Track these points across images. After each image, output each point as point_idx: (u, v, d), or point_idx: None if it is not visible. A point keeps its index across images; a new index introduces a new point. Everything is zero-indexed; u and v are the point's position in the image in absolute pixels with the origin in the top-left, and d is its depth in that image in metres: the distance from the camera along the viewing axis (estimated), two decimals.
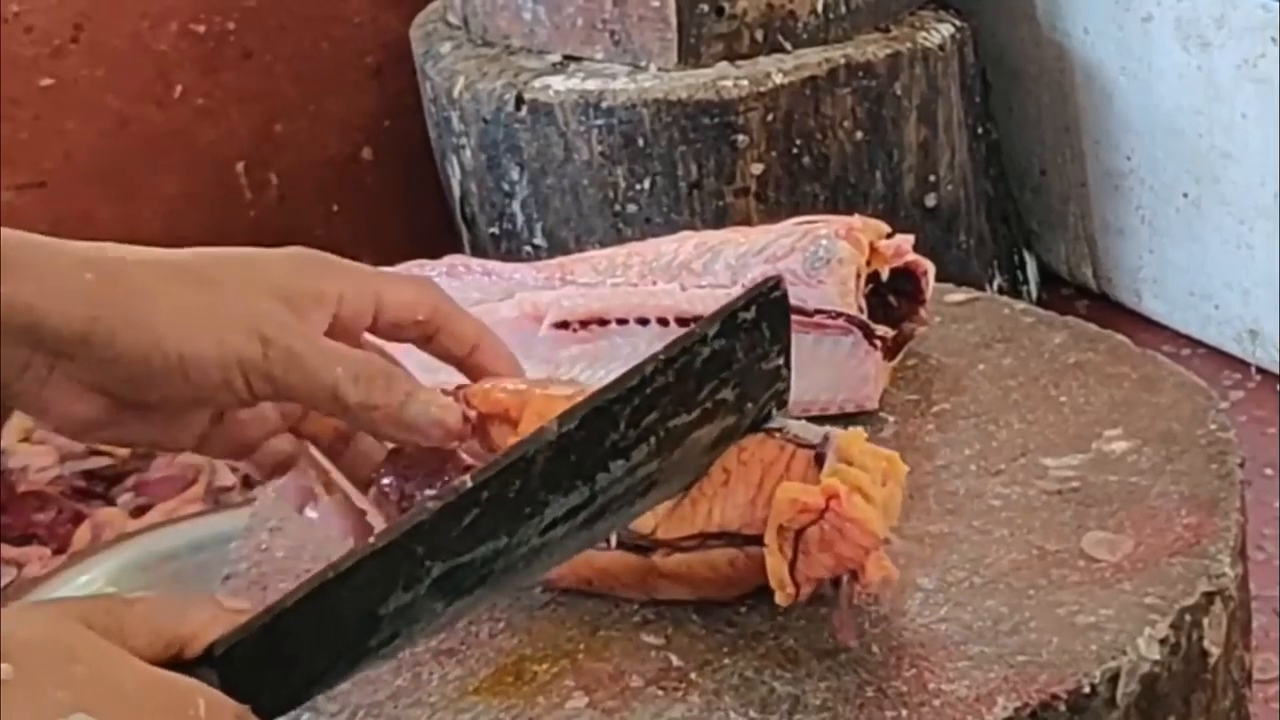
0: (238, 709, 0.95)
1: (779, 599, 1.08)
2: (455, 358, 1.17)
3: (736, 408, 1.10)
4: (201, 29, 3.09)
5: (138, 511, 2.60)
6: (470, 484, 1.00)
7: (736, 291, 1.33)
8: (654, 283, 1.37)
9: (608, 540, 1.11)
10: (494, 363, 1.18)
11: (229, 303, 1.06)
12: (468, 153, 2.85)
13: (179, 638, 0.96)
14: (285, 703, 0.98)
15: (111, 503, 2.65)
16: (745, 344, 1.09)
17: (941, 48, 2.80)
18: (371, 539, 0.99)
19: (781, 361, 1.11)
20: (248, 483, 2.51)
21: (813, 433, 1.10)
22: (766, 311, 1.09)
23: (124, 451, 2.65)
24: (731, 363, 1.08)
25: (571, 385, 1.17)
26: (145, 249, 1.09)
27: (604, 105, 2.66)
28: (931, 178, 2.82)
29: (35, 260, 1.03)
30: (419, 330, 1.16)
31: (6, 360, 1.03)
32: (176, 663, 0.95)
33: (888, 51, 2.73)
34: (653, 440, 1.06)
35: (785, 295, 1.10)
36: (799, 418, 1.26)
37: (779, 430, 1.11)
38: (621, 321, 1.37)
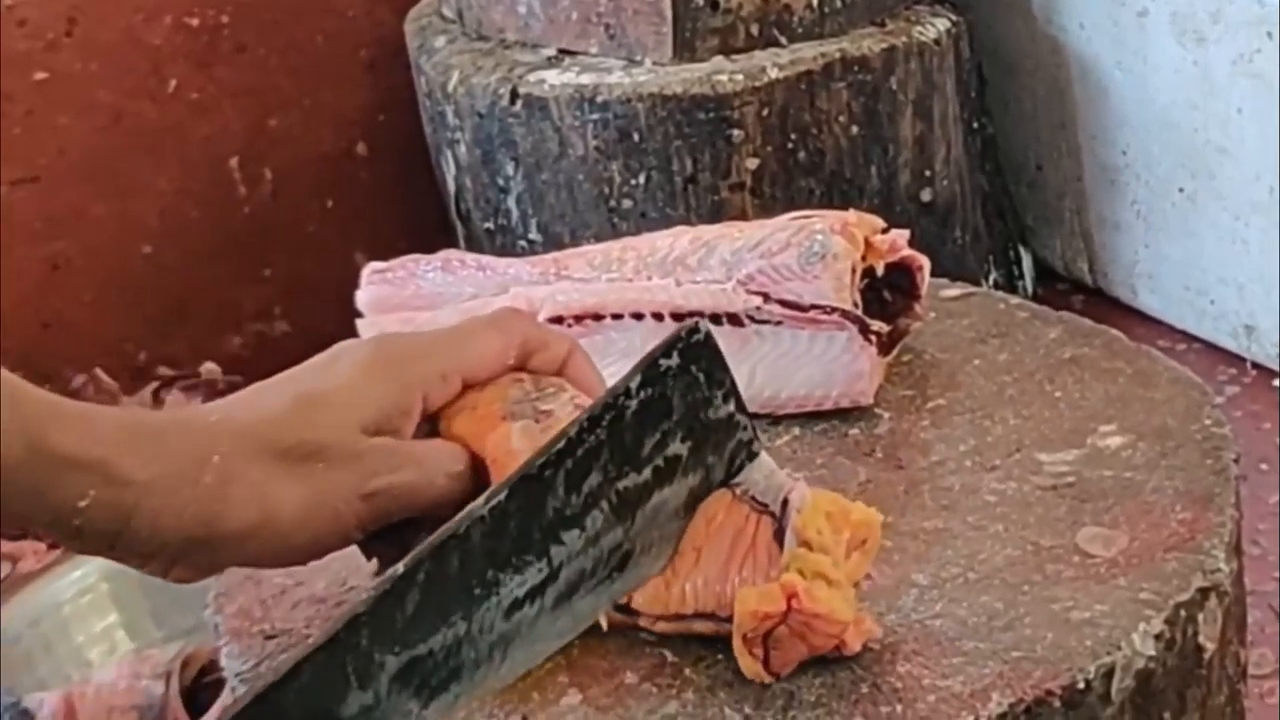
0: None
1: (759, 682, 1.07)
2: (548, 374, 1.17)
3: (695, 464, 1.05)
4: (195, 23, 3.09)
5: None
6: (402, 568, 0.95)
7: (731, 286, 1.34)
8: (649, 278, 1.37)
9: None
10: (579, 380, 1.17)
11: (334, 473, 1.07)
12: (462, 147, 2.85)
13: None
14: None
15: None
16: (678, 392, 1.04)
17: (937, 42, 2.80)
18: (312, 637, 0.95)
19: (733, 408, 1.06)
20: None
21: (773, 490, 1.08)
22: (692, 357, 1.04)
23: None
24: (669, 413, 1.03)
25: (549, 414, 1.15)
26: (236, 411, 1.10)
27: (599, 100, 2.65)
28: (927, 173, 2.82)
29: (138, 462, 1.02)
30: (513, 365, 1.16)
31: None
32: None
33: (883, 46, 2.72)
34: (605, 505, 1.01)
35: (710, 338, 1.05)
36: (793, 414, 1.27)
37: (738, 486, 1.08)
38: (616, 317, 1.37)
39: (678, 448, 1.04)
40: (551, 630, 1.01)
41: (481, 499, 0.98)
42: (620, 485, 1.02)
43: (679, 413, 1.04)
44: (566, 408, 1.13)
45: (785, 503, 1.08)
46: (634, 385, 1.02)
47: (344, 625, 0.93)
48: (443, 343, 1.14)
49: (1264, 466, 2.60)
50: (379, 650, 0.94)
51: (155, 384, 3.05)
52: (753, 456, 1.08)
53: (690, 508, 1.06)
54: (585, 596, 1.02)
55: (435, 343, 1.15)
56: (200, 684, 2.01)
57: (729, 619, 1.06)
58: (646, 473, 1.03)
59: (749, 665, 1.06)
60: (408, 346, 1.14)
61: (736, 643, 1.06)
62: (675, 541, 1.06)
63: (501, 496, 0.98)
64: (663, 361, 1.03)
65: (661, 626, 1.10)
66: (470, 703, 1.00)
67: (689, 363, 1.04)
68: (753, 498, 1.08)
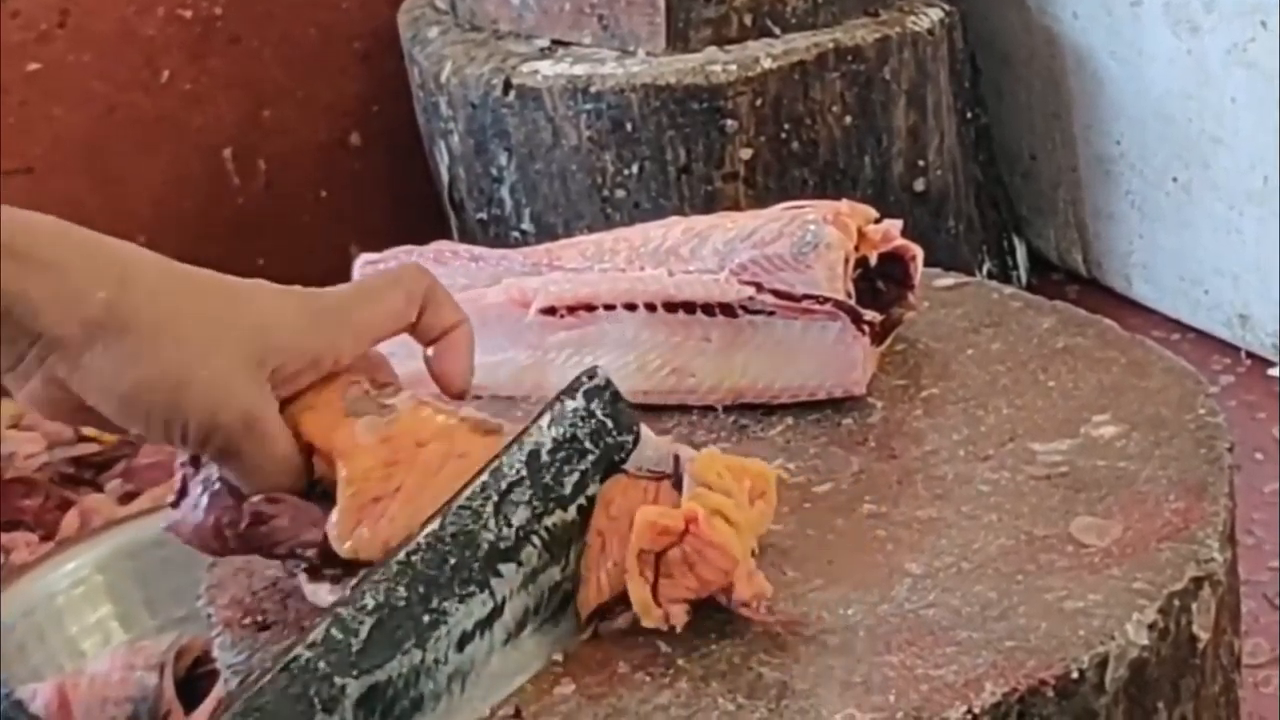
0: None
1: (645, 622, 1.08)
2: (424, 342, 1.18)
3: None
4: (188, 14, 3.09)
5: (126, 498, 2.60)
6: (350, 594, 1.00)
7: (723, 276, 1.34)
8: (642, 268, 1.37)
9: None
10: (445, 363, 1.18)
11: (229, 353, 1.07)
12: (456, 138, 2.85)
13: None
14: None
15: (99, 489, 2.64)
16: (589, 434, 1.10)
17: (931, 32, 2.79)
18: (268, 661, 0.99)
19: (631, 445, 1.11)
20: None
21: (663, 456, 1.11)
22: (596, 398, 1.10)
23: (112, 438, 2.64)
24: (583, 454, 1.09)
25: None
26: (178, 268, 1.10)
27: (592, 90, 2.65)
28: (921, 163, 2.82)
29: (48, 256, 1.03)
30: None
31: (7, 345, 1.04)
32: None
33: (877, 36, 2.72)
34: (537, 541, 1.07)
35: (609, 384, 1.11)
36: (787, 404, 1.27)
37: (637, 468, 1.11)
38: (609, 307, 1.37)
39: (596, 488, 1.10)
40: (505, 666, 1.06)
41: (420, 527, 1.04)
42: (548, 522, 1.07)
43: (593, 454, 1.09)
44: (408, 404, 1.13)
45: (676, 459, 1.10)
46: (544, 423, 1.09)
47: (303, 647, 0.98)
48: (354, 301, 1.15)
49: (1259, 456, 2.60)
50: (338, 674, 0.98)
51: None
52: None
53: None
54: (533, 635, 1.07)
55: (348, 301, 1.15)
56: (194, 675, 2.01)
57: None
58: (572, 511, 1.09)
59: (637, 589, 1.07)
60: (328, 303, 1.14)
61: (629, 560, 1.07)
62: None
63: (436, 524, 1.04)
64: (568, 402, 1.10)
65: (604, 626, 1.11)
66: None
67: (594, 405, 1.10)
68: (648, 471, 1.10)
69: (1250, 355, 2.87)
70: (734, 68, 2.63)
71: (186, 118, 3.13)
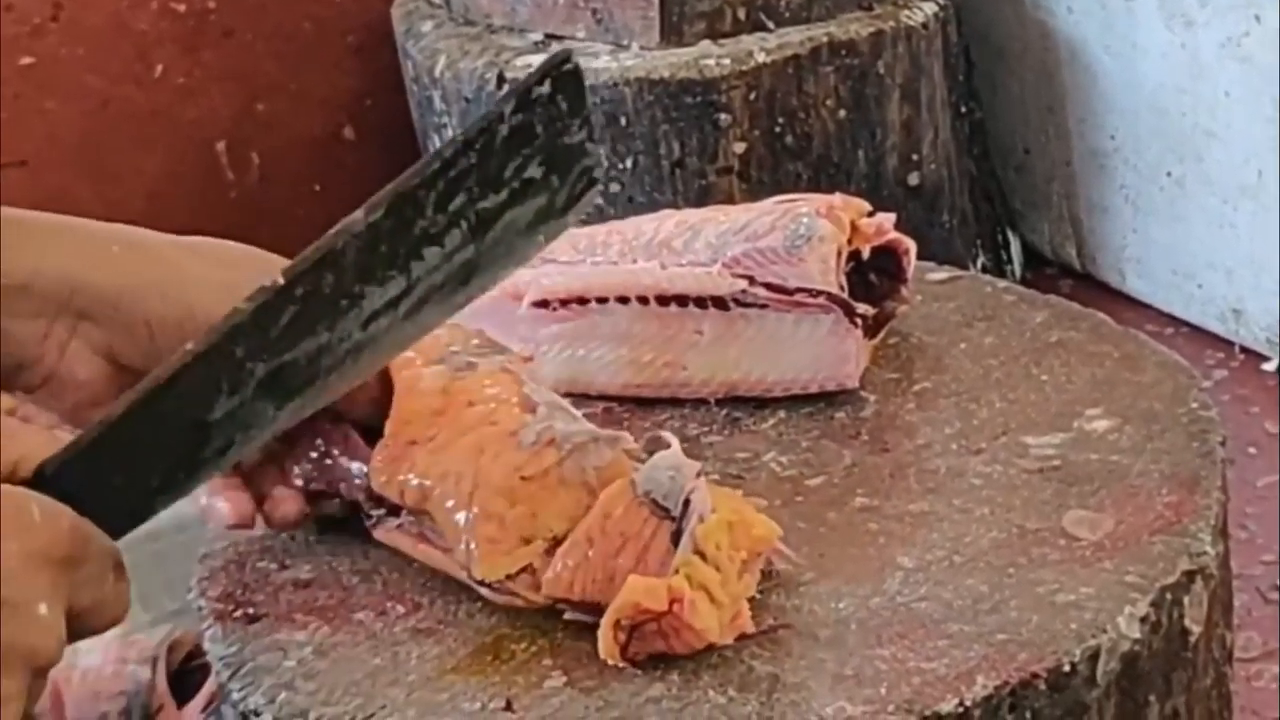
0: (73, 516, 0.95)
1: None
2: None
3: (545, 185, 1.10)
4: (182, 8, 3.08)
5: None
6: (282, 281, 1.02)
7: (716, 269, 1.34)
8: (634, 261, 1.37)
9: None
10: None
11: (246, 284, 1.08)
12: (449, 132, 2.84)
13: (8, 462, 0.96)
14: (127, 518, 1.00)
15: None
16: (543, 119, 1.09)
17: (925, 26, 2.79)
18: (189, 344, 1.00)
19: (584, 136, 1.11)
20: None
21: (676, 492, 1.10)
22: (561, 85, 1.09)
23: None
24: (532, 139, 1.08)
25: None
26: (150, 232, 1.14)
27: (586, 84, 2.64)
28: (915, 156, 2.81)
29: (67, 231, 1.09)
30: None
31: (31, 332, 1.07)
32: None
33: (871, 30, 2.72)
34: (464, 225, 1.07)
35: (577, 68, 1.10)
36: (779, 397, 1.27)
37: (641, 485, 1.11)
38: (601, 300, 1.37)
39: (534, 170, 1.09)
40: (400, 338, 1.08)
41: (360, 214, 1.04)
42: (479, 206, 1.08)
43: (540, 139, 1.09)
44: (489, 366, 1.17)
45: (687, 503, 1.09)
46: (507, 110, 1.07)
47: (224, 335, 1.00)
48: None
49: (1252, 450, 2.60)
50: (250, 358, 1.01)
51: None
52: (593, 182, 1.12)
53: (534, 225, 1.10)
54: (434, 307, 1.08)
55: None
56: (187, 668, 2.01)
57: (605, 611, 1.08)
58: (504, 193, 1.08)
59: (609, 645, 1.07)
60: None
61: (607, 621, 1.07)
62: (520, 258, 1.11)
63: (378, 214, 1.04)
64: (535, 89, 1.08)
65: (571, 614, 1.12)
66: (315, 406, 1.06)
67: (557, 91, 1.09)
68: (654, 500, 1.10)
69: (1244, 349, 2.87)
70: (728, 61, 2.63)
71: (180, 111, 3.12)
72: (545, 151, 1.09)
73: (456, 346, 1.21)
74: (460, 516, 1.12)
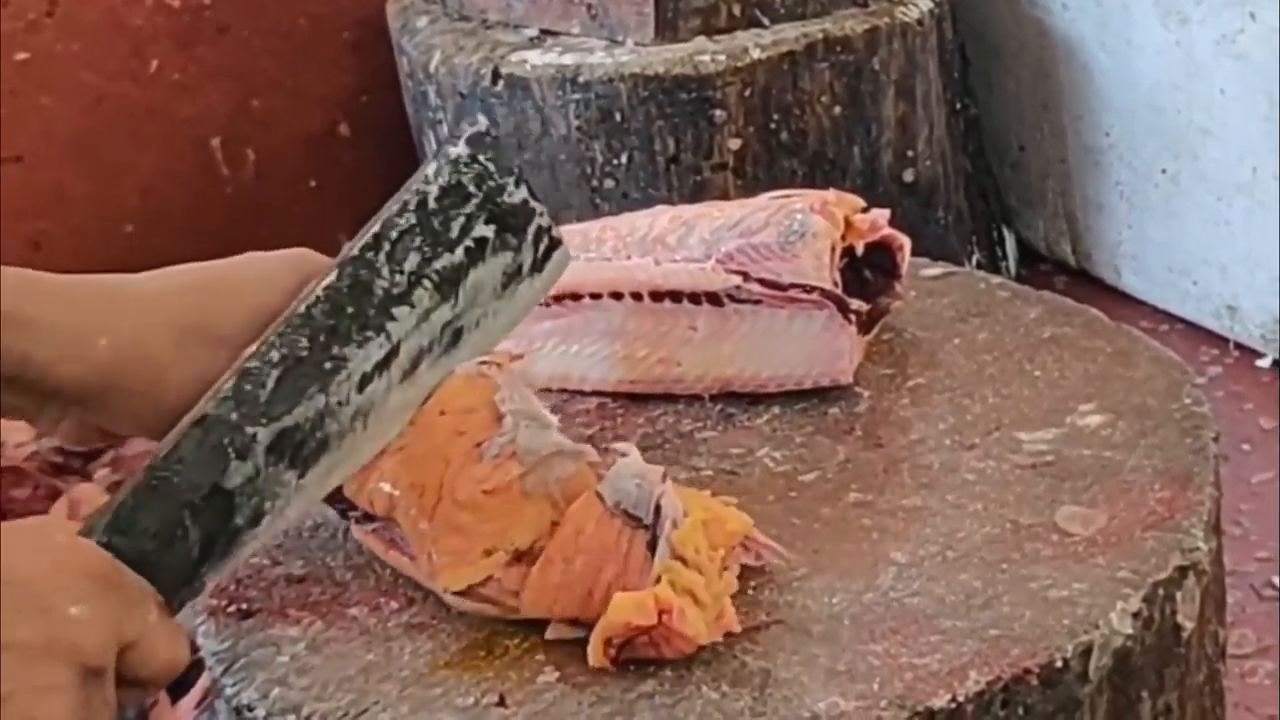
0: (101, 550, 1.04)
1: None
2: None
3: (502, 245, 1.17)
4: (177, 4, 3.08)
5: (114, 487, 2.59)
6: (256, 349, 1.10)
7: (710, 265, 1.34)
8: (628, 257, 1.37)
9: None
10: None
11: (223, 357, 1.15)
12: (445, 127, 2.84)
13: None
14: (172, 588, 1.06)
15: (88, 478, 2.64)
16: (471, 178, 1.17)
17: (920, 22, 2.79)
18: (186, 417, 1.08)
19: (525, 194, 1.18)
20: None
21: (645, 500, 1.10)
22: (478, 147, 1.17)
23: None
24: (467, 197, 1.16)
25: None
26: (156, 282, 1.19)
27: (581, 80, 2.65)
28: (910, 153, 2.81)
29: (46, 318, 1.12)
30: None
31: (23, 406, 1.15)
32: None
33: (866, 26, 2.72)
34: (428, 284, 1.14)
35: (489, 131, 1.19)
36: (773, 393, 1.27)
37: (609, 498, 1.11)
38: (595, 296, 1.37)
39: (483, 230, 1.17)
40: (402, 401, 1.14)
41: (314, 282, 1.13)
42: (437, 265, 1.15)
43: (477, 198, 1.17)
44: (469, 372, 1.18)
45: (658, 509, 1.09)
46: (431, 172, 1.16)
47: (212, 403, 1.08)
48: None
49: (1246, 447, 2.60)
50: (248, 423, 1.08)
51: None
52: (555, 244, 1.20)
53: (505, 287, 1.18)
54: (427, 370, 1.15)
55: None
56: None
57: (589, 624, 1.08)
58: (459, 253, 1.16)
59: (598, 659, 1.08)
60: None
61: (596, 639, 1.07)
62: (505, 320, 1.19)
63: (332, 278, 1.13)
64: (452, 150, 1.17)
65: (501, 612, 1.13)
66: (344, 473, 1.13)
67: (476, 151, 1.17)
68: (625, 511, 1.10)
69: (1238, 346, 2.87)
70: (723, 58, 2.63)
71: (175, 107, 3.12)
72: (487, 211, 1.17)
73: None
74: (424, 527, 1.13)
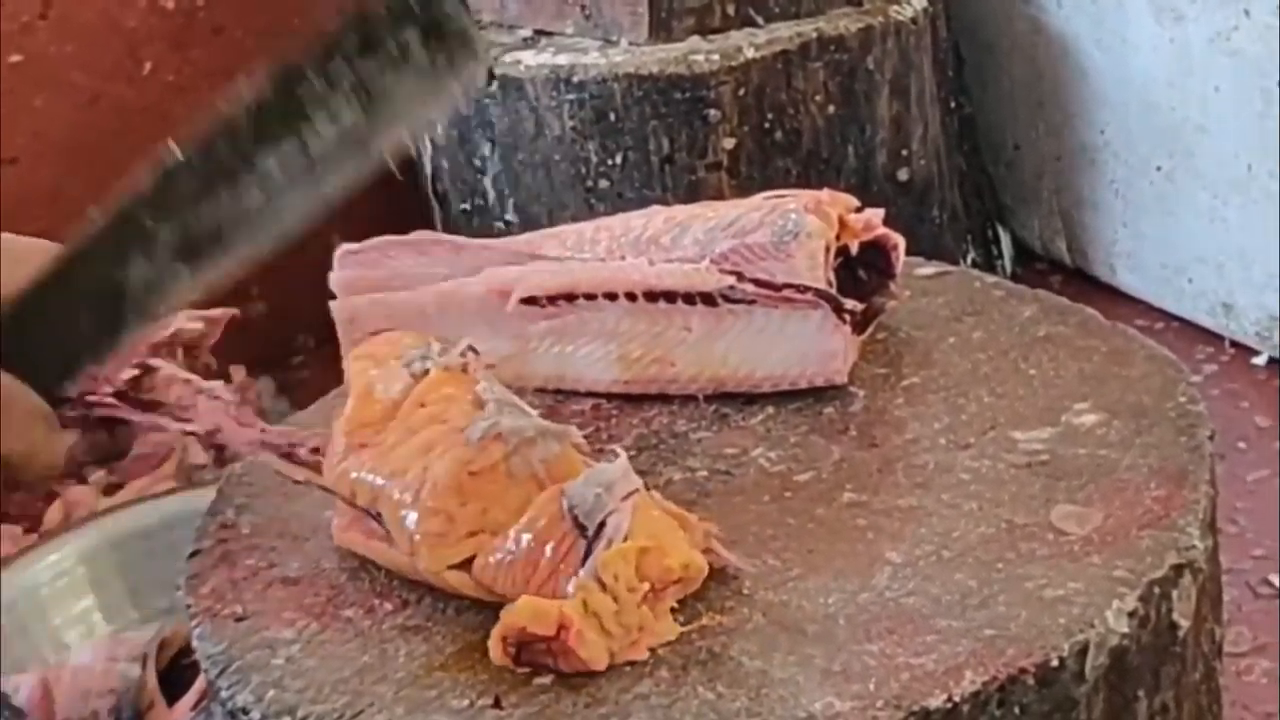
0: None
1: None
2: None
3: (426, 58, 1.16)
4: (171, 5, 3.08)
5: (110, 489, 2.59)
6: (180, 155, 1.13)
7: (704, 265, 1.34)
8: (622, 257, 1.37)
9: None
10: None
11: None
12: (438, 128, 2.84)
13: None
14: (56, 379, 1.11)
15: (83, 481, 2.63)
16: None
17: (914, 21, 2.79)
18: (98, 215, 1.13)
19: (458, 6, 1.18)
20: (219, 461, 2.50)
21: (596, 513, 1.10)
22: None
23: None
24: (411, 17, 1.16)
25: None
26: None
27: (575, 80, 2.65)
28: (904, 152, 2.81)
29: None
30: None
31: None
32: None
33: (860, 25, 2.72)
34: (346, 87, 1.15)
35: None
36: (768, 393, 1.26)
37: (571, 506, 1.11)
38: (589, 297, 1.36)
39: (410, 37, 1.16)
40: (302, 205, 1.17)
41: (248, 88, 1.15)
42: (360, 68, 1.16)
43: (411, 10, 1.17)
44: (451, 366, 1.20)
45: (601, 526, 1.09)
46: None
47: (129, 203, 1.12)
48: None
49: (1242, 445, 2.60)
50: (158, 222, 1.12)
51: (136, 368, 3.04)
52: (473, 53, 1.19)
53: (417, 95, 1.18)
54: (332, 175, 1.17)
55: None
56: (177, 666, 2.00)
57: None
58: (381, 58, 1.16)
59: (497, 655, 1.08)
60: None
61: (495, 635, 1.08)
62: (414, 129, 1.21)
63: (266, 83, 1.15)
64: None
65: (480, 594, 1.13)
66: (229, 268, 1.16)
67: None
68: (575, 516, 1.10)
69: (1234, 344, 2.87)
70: (717, 57, 2.63)
71: (169, 108, 3.11)
72: (420, 22, 1.16)
73: (416, 350, 1.22)
74: (409, 512, 1.13)
